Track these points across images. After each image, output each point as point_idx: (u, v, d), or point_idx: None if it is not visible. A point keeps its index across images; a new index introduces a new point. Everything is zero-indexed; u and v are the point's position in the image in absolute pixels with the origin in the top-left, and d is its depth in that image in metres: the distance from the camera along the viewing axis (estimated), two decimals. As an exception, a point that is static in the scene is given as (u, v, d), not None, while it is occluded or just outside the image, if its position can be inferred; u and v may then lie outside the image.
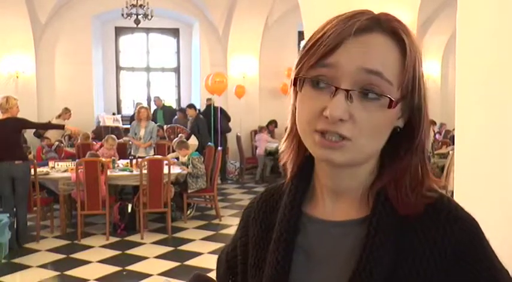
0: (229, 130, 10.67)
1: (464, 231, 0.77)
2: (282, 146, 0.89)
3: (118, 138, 10.20)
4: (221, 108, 10.39)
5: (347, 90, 0.73)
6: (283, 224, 0.85)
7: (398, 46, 0.76)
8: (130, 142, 8.54)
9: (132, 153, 8.05)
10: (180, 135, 9.14)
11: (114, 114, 12.13)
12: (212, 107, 10.17)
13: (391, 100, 0.74)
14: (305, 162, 0.87)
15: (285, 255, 0.83)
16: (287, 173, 0.90)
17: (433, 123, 11.31)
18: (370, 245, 0.75)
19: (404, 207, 0.78)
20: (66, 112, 10.40)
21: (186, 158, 7.37)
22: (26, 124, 6.06)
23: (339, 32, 0.75)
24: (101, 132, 10.67)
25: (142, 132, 8.10)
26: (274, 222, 0.88)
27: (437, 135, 11.93)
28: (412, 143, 0.81)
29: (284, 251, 0.83)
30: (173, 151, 8.56)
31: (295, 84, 0.79)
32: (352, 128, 0.74)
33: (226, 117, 10.58)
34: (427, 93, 0.81)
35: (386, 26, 0.77)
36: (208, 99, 10.51)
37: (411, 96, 0.78)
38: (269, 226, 0.90)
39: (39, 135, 10.14)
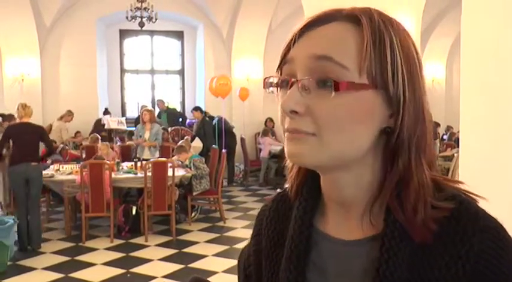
0: (235, 144, 10.60)
1: (486, 243, 0.68)
2: (289, 164, 0.85)
3: (121, 141, 10.24)
4: (225, 122, 10.29)
5: (298, 80, 0.70)
6: (294, 240, 0.81)
7: (358, 30, 0.70)
8: (135, 144, 8.54)
9: (137, 155, 8.06)
10: (186, 137, 9.14)
11: (106, 108, 12.03)
12: (217, 123, 10.10)
13: (335, 82, 0.67)
14: (313, 175, 0.82)
15: (297, 275, 0.79)
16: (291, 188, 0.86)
17: (437, 124, 11.29)
18: (384, 270, 0.70)
19: (415, 231, 0.70)
20: (68, 115, 10.42)
21: (187, 161, 7.37)
22: (44, 136, 6.25)
23: (295, 31, 0.74)
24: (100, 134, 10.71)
25: (147, 135, 8.11)
26: (285, 234, 0.84)
27: (444, 137, 11.92)
28: (393, 145, 0.73)
29: (296, 270, 0.79)
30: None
31: (264, 86, 0.78)
32: (312, 122, 0.69)
33: (230, 134, 10.46)
34: (420, 85, 0.73)
35: (346, 14, 0.72)
36: (211, 117, 10.41)
37: (386, 86, 0.70)
38: (281, 239, 0.86)
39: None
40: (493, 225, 0.71)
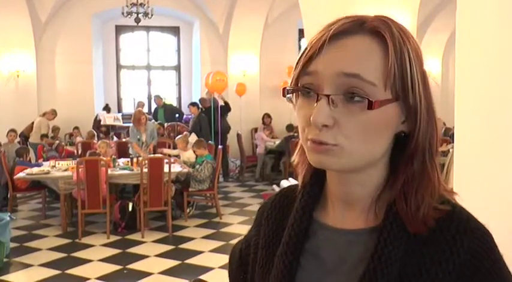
0: (228, 129, 10.62)
1: (475, 242, 0.75)
2: (295, 159, 0.90)
3: (117, 137, 10.22)
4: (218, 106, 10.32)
5: (327, 96, 0.73)
6: (294, 228, 0.86)
7: (382, 46, 0.74)
8: (130, 146, 8.49)
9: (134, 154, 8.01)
10: (185, 133, 9.13)
11: (107, 104, 11.95)
12: (212, 101, 10.08)
13: (369, 101, 0.72)
14: (318, 170, 0.86)
15: (292, 260, 0.84)
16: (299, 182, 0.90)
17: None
18: (379, 256, 0.75)
19: (413, 224, 0.76)
20: (52, 113, 10.38)
21: (199, 158, 7.35)
22: None
23: (318, 38, 0.76)
24: (98, 130, 10.70)
25: (144, 137, 8.07)
26: (285, 225, 0.89)
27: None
28: (411, 149, 0.78)
29: (292, 256, 0.84)
30: (174, 148, 8.56)
31: (283, 95, 0.80)
32: (340, 135, 0.73)
33: (226, 109, 10.44)
34: (429, 92, 0.78)
35: (369, 28, 0.75)
36: (203, 101, 10.35)
37: (406, 97, 0.75)
38: (280, 228, 0.90)
39: (26, 138, 10.15)
40: (481, 228, 0.78)
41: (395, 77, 0.74)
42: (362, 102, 0.72)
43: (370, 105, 0.72)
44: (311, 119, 0.73)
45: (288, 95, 0.80)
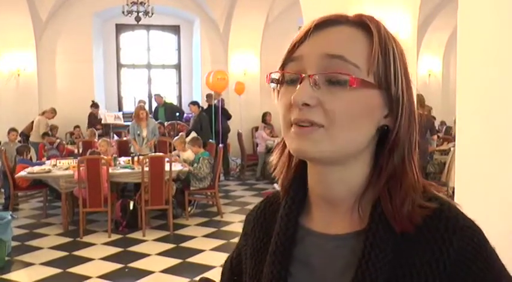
0: (228, 130, 10.67)
1: (465, 241, 0.73)
2: (273, 159, 0.89)
3: (118, 136, 10.21)
4: (222, 107, 10.38)
5: (310, 76, 0.73)
6: (280, 236, 0.84)
7: (367, 36, 0.76)
8: (131, 144, 8.49)
9: (135, 152, 8.02)
10: (181, 134, 9.13)
11: (93, 101, 11.76)
12: (213, 107, 10.12)
13: (351, 77, 0.72)
14: (300, 173, 0.86)
15: (281, 269, 0.82)
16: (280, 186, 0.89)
17: (433, 118, 11.28)
18: (366, 260, 0.74)
19: (400, 223, 0.75)
20: (51, 112, 10.37)
21: (196, 156, 7.35)
22: None
23: (305, 29, 0.78)
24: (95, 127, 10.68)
25: (145, 133, 8.07)
26: (271, 233, 0.87)
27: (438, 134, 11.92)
28: (391, 142, 0.78)
29: (280, 265, 0.82)
30: (174, 148, 8.56)
31: (267, 81, 0.80)
32: (323, 115, 0.72)
33: (226, 116, 10.56)
34: (412, 90, 0.79)
35: (355, 20, 0.77)
36: (209, 97, 10.43)
37: (389, 87, 0.76)
38: (266, 237, 0.89)
39: (26, 137, 10.15)
40: (471, 225, 0.76)
41: (378, 65, 0.75)
42: (345, 84, 0.73)
43: (351, 82, 0.72)
44: (292, 97, 0.73)
45: (273, 84, 0.80)
